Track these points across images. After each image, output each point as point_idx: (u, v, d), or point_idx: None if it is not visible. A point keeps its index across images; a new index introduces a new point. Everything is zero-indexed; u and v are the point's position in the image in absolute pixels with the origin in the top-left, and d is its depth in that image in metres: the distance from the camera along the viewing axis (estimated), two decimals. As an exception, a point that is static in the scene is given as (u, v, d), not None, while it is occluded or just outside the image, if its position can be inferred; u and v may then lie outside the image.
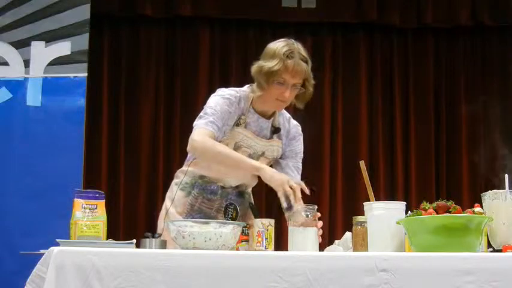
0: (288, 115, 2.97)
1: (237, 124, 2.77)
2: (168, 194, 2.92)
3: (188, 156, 2.90)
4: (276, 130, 2.87)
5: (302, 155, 2.98)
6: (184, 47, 5.27)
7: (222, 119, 2.70)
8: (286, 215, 2.48)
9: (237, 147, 2.76)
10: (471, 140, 5.34)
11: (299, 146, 2.96)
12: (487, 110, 5.36)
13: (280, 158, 2.91)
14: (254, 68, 2.74)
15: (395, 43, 5.43)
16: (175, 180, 2.93)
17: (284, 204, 2.49)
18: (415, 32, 5.43)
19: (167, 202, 2.90)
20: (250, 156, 2.75)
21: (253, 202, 2.92)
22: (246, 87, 2.84)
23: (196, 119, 2.72)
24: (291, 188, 2.48)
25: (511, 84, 5.39)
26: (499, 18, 5.32)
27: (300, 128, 2.99)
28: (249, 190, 2.97)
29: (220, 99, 2.73)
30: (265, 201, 4.69)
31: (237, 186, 2.89)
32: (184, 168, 2.90)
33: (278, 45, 2.72)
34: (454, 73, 5.44)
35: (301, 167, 2.96)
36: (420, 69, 5.42)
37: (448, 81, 5.44)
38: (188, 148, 2.70)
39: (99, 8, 4.73)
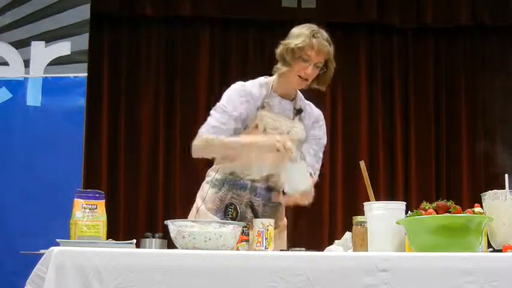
0: (308, 102, 3.04)
1: (262, 107, 2.86)
2: (199, 193, 2.97)
3: None
4: (298, 112, 2.95)
5: (325, 143, 3.05)
6: (184, 47, 5.28)
7: (234, 111, 2.82)
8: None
9: (264, 131, 2.84)
10: (471, 139, 5.34)
11: (321, 131, 3.02)
12: (487, 110, 5.37)
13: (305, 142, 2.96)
14: (280, 48, 2.85)
15: (395, 43, 5.43)
16: (206, 179, 2.98)
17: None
18: (415, 32, 5.43)
19: (198, 201, 2.95)
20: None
21: (253, 202, 2.93)
22: (262, 77, 2.96)
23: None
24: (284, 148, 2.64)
25: (511, 84, 5.39)
26: (499, 18, 5.32)
27: (322, 114, 3.06)
28: (278, 187, 2.95)
29: (231, 93, 2.87)
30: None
31: (267, 180, 2.89)
32: (215, 166, 2.97)
33: (303, 27, 2.87)
34: (454, 73, 5.44)
35: (321, 156, 3.03)
36: (420, 69, 5.42)
37: (448, 81, 5.44)
38: (192, 153, 2.85)
39: (99, 8, 4.73)
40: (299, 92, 2.98)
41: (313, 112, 3.03)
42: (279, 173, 2.85)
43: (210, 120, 2.83)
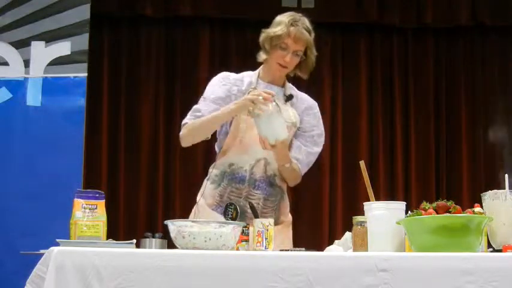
0: (302, 92, 3.08)
1: (248, 93, 2.87)
2: (200, 191, 2.99)
3: (216, 151, 3.01)
4: (288, 97, 2.98)
5: (319, 132, 3.04)
6: (184, 47, 5.27)
7: (212, 94, 2.91)
8: None
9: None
10: (471, 140, 5.34)
11: (315, 119, 3.03)
12: (487, 110, 5.37)
13: (295, 136, 2.96)
14: (261, 36, 2.95)
15: (395, 43, 5.43)
16: (207, 177, 3.00)
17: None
18: (415, 32, 5.43)
19: (198, 197, 2.97)
20: None
21: (252, 202, 2.92)
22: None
23: None
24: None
25: (511, 84, 5.39)
26: (499, 18, 5.32)
27: (317, 104, 3.07)
28: (281, 182, 2.96)
29: (211, 82, 2.98)
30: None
31: (265, 171, 2.89)
32: (214, 163, 2.99)
33: (284, 15, 2.95)
34: (454, 73, 5.44)
35: (314, 152, 3.02)
36: (420, 69, 5.42)
37: (448, 81, 5.44)
38: (181, 143, 2.94)
39: (99, 8, 4.73)
40: (289, 84, 3.03)
41: (307, 100, 3.06)
42: (272, 157, 2.88)
43: (191, 111, 2.92)
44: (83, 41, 4.34)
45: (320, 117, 3.07)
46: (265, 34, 2.93)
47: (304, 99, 3.05)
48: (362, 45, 5.41)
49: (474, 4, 5.30)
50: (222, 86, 2.94)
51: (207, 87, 2.98)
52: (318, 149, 3.03)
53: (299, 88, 3.10)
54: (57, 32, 4.33)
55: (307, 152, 2.98)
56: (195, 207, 2.99)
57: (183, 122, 2.93)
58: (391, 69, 5.41)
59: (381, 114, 5.34)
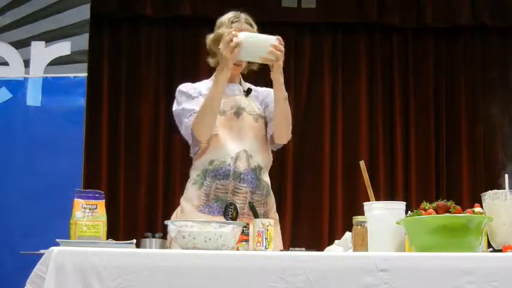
0: (256, 87, 3.10)
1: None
2: (184, 195, 2.96)
3: (191, 152, 2.98)
4: (248, 91, 3.02)
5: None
6: (184, 47, 5.27)
7: (195, 95, 2.92)
8: None
9: (223, 113, 2.90)
10: (471, 140, 5.34)
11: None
12: (487, 110, 5.36)
13: (266, 125, 2.98)
14: (207, 41, 3.01)
15: (395, 43, 5.43)
16: (188, 180, 2.97)
17: None
18: (415, 32, 5.43)
19: (182, 203, 2.93)
20: (236, 112, 2.91)
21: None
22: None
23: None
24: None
25: (511, 84, 5.39)
26: (499, 18, 5.32)
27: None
28: (266, 177, 2.95)
29: (180, 89, 2.97)
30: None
31: (248, 163, 2.87)
32: (193, 165, 2.96)
33: (225, 16, 3.02)
34: (454, 73, 5.44)
35: None
36: (420, 69, 5.42)
37: (448, 81, 5.44)
38: (196, 135, 2.87)
39: (99, 8, 4.73)
40: (243, 81, 3.06)
41: (265, 89, 3.07)
42: (252, 148, 2.89)
43: (188, 108, 2.89)
44: (83, 41, 4.34)
45: None
46: (209, 38, 2.99)
47: (261, 89, 3.08)
48: (362, 45, 5.41)
49: (474, 4, 5.30)
50: (193, 89, 2.96)
51: (179, 95, 2.96)
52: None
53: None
54: (57, 32, 4.33)
55: None
56: (175, 211, 2.95)
57: (188, 122, 2.88)
58: (391, 69, 5.41)
59: (381, 114, 5.34)
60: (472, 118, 5.36)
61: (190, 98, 2.92)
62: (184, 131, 2.92)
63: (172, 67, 5.25)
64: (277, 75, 2.81)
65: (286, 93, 2.88)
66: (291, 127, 2.96)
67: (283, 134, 2.94)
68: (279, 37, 2.78)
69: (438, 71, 5.44)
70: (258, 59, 2.83)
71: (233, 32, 2.75)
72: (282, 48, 2.77)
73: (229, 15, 2.98)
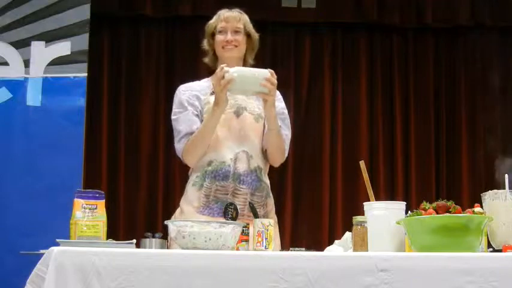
0: None
1: (211, 93, 2.90)
2: (183, 196, 2.95)
3: None
4: None
5: (286, 117, 3.04)
6: (184, 47, 5.27)
7: (189, 106, 2.91)
8: None
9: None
10: (471, 140, 5.34)
11: (282, 103, 3.03)
12: (487, 110, 5.36)
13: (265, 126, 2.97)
14: (203, 43, 3.04)
15: (395, 43, 5.43)
16: (188, 181, 2.96)
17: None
18: (415, 32, 5.43)
19: (182, 205, 2.92)
20: (236, 111, 2.90)
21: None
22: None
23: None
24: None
25: (511, 84, 5.39)
26: (499, 18, 5.32)
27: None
28: (266, 178, 2.95)
29: (176, 97, 2.98)
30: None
31: (248, 164, 2.86)
32: (192, 168, 2.96)
33: (213, 18, 3.06)
34: (454, 73, 5.44)
35: (289, 136, 3.01)
36: (420, 69, 5.42)
37: (448, 81, 5.44)
38: (185, 162, 2.91)
39: (99, 8, 4.73)
40: None
41: None
42: (253, 149, 2.88)
43: (179, 130, 2.89)
44: (83, 41, 4.34)
45: (281, 103, 3.06)
46: (205, 36, 3.03)
47: None
48: (362, 45, 5.41)
49: (474, 4, 5.30)
50: (189, 95, 2.95)
51: (176, 104, 2.96)
52: (290, 133, 3.03)
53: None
54: (57, 32, 4.33)
55: (284, 136, 2.97)
56: (174, 214, 2.95)
57: (178, 146, 2.89)
58: (391, 69, 5.42)
59: (380, 114, 5.34)
60: (472, 118, 5.36)
61: (182, 108, 2.92)
62: (176, 151, 2.93)
63: (172, 67, 5.26)
64: (271, 109, 2.81)
65: (279, 126, 2.89)
66: (285, 154, 2.97)
67: (277, 160, 2.96)
68: (271, 70, 2.78)
69: (438, 71, 5.44)
70: (251, 93, 2.83)
71: (225, 68, 2.73)
72: (275, 81, 2.77)
73: (220, 11, 3.02)
